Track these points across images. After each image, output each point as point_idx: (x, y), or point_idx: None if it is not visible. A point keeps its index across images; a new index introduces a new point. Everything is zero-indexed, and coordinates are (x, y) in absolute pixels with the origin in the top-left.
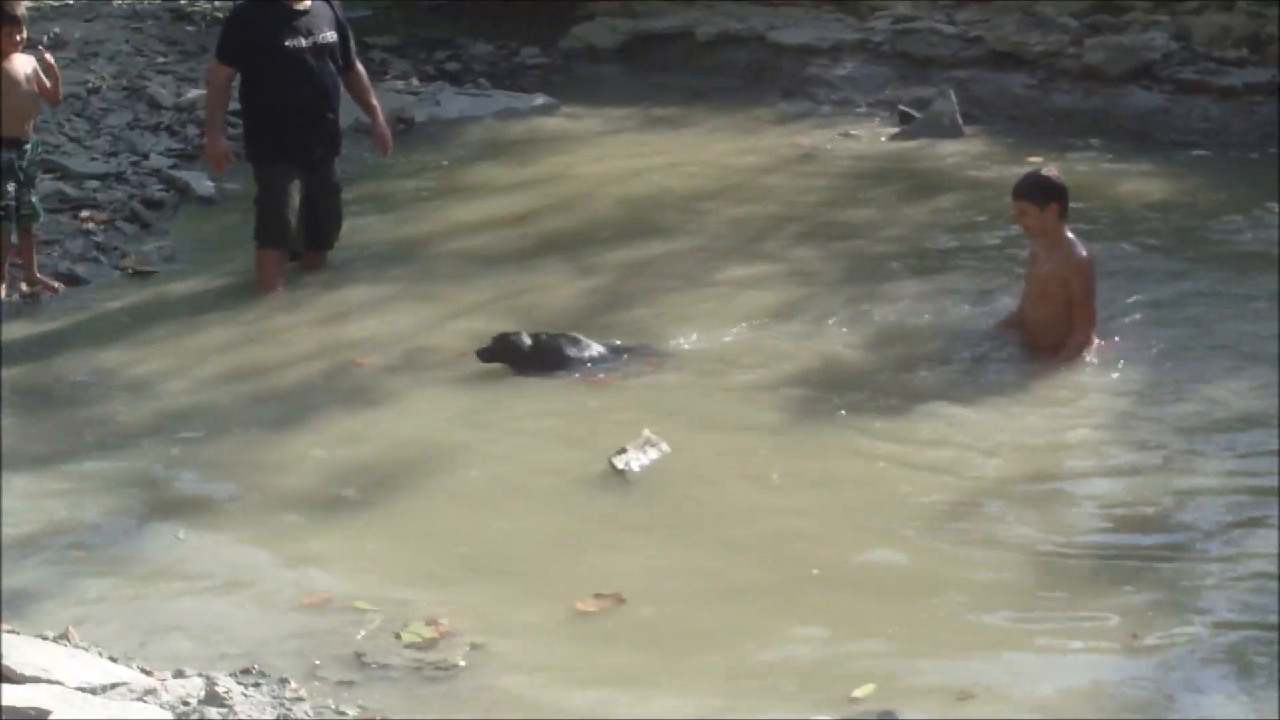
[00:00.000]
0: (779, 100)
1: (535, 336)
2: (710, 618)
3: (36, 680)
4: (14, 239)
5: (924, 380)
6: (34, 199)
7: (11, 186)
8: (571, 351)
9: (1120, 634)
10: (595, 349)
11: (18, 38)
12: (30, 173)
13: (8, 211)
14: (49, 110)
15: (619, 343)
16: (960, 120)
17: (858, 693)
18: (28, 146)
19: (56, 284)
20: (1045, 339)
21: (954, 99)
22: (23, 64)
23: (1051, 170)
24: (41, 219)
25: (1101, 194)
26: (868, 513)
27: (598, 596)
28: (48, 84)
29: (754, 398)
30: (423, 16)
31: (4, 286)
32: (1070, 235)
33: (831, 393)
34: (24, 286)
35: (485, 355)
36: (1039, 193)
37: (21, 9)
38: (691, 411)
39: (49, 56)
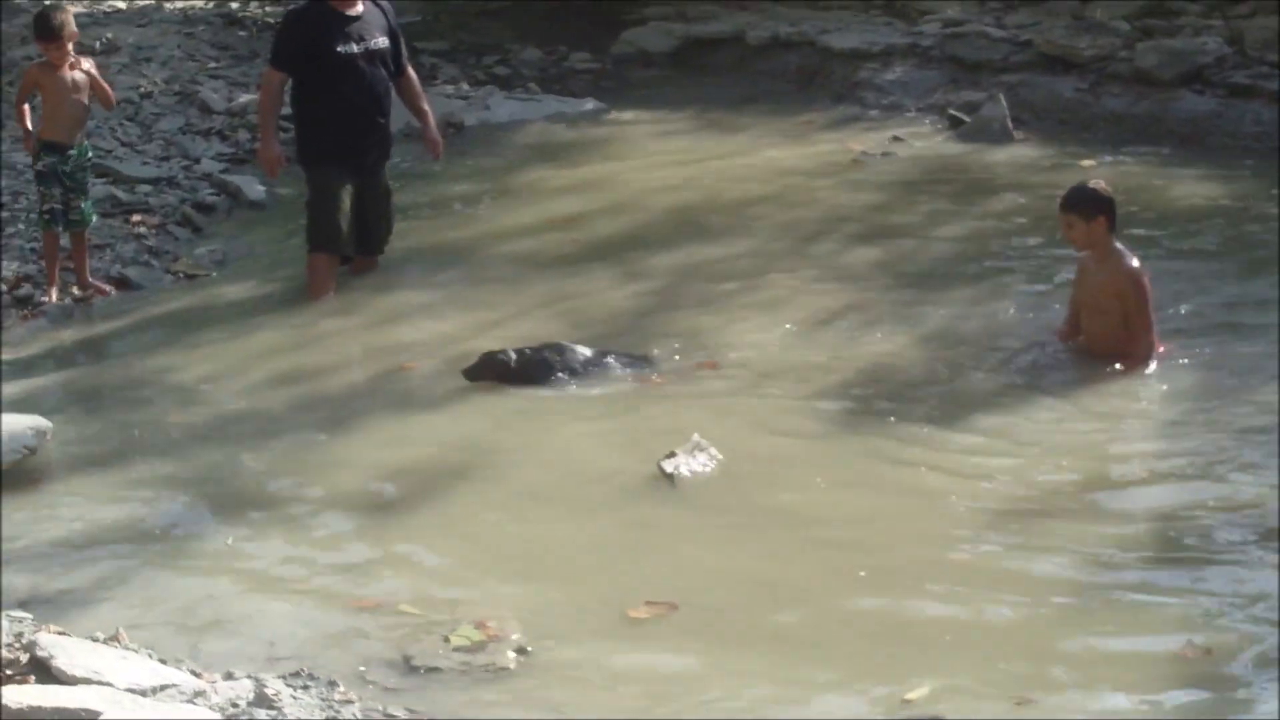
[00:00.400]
0: (829, 104)
1: (520, 352)
2: (761, 623)
3: (87, 682)
4: (64, 242)
5: (976, 387)
6: (85, 204)
7: (57, 191)
8: (556, 360)
9: (1177, 641)
10: (582, 355)
11: (68, 48)
12: (78, 178)
13: (54, 215)
14: (101, 115)
15: (637, 353)
16: (1010, 124)
17: (911, 695)
18: (72, 153)
19: (108, 287)
20: (1101, 349)
21: (1004, 103)
22: (73, 73)
23: (1099, 182)
24: (93, 223)
25: (1153, 199)
26: (919, 519)
27: (649, 604)
28: (106, 89)
29: (803, 403)
30: (472, 22)
31: (55, 290)
32: (1119, 246)
33: (881, 398)
34: (76, 290)
35: (472, 374)
36: (1086, 205)
37: (72, 22)
38: (741, 415)
39: (84, 63)
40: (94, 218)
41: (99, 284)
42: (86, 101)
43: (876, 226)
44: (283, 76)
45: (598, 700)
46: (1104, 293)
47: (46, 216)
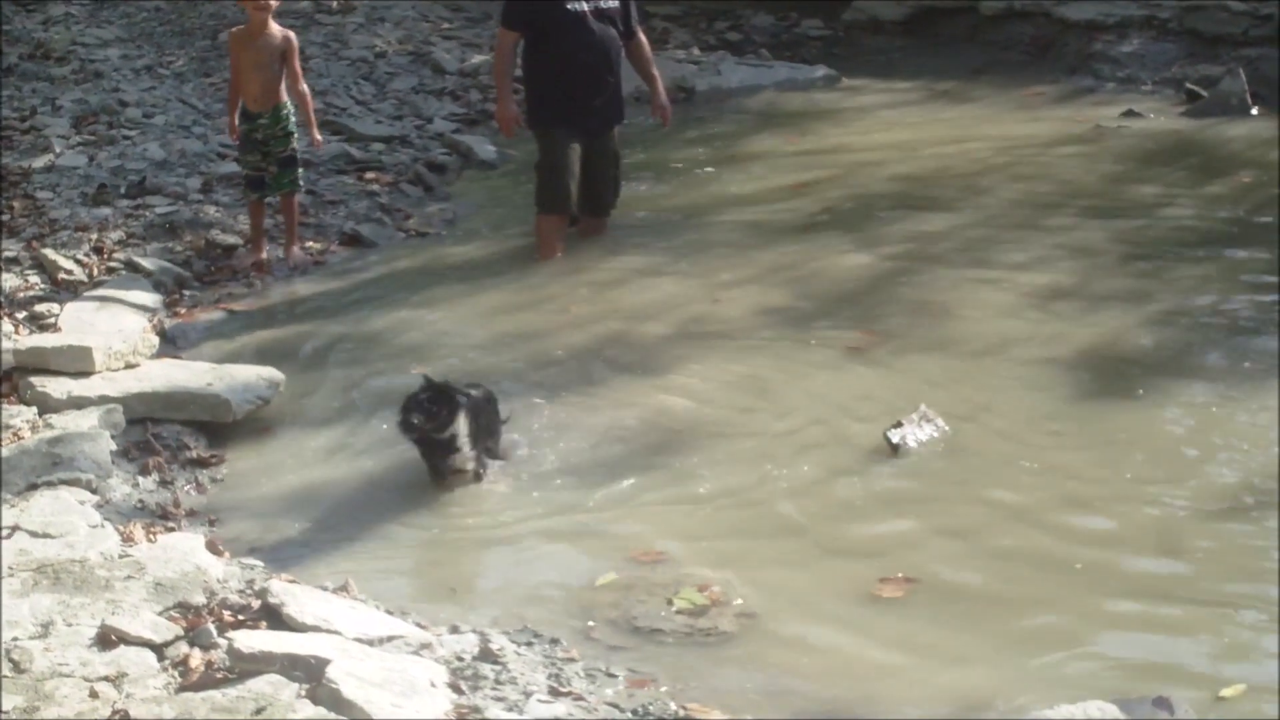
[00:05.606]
0: (1063, 76)
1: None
2: (995, 599)
3: (316, 630)
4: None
5: (1208, 364)
6: (280, 173)
7: (253, 158)
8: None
9: None
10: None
11: (270, 9)
12: (273, 146)
13: (250, 182)
14: (338, 73)
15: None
16: (1249, 99)
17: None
18: (263, 120)
19: (305, 260)
20: None
21: (1243, 78)
22: (266, 40)
23: None
24: (300, 191)
25: None
26: (1154, 493)
27: (883, 581)
28: (295, 67)
29: (1032, 376)
30: None
31: (261, 255)
32: None
33: (1111, 374)
34: (281, 254)
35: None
36: None
37: None
38: (967, 387)
39: (284, 34)
40: (294, 185)
41: (301, 255)
42: (278, 69)
43: (1109, 200)
44: (515, 36)
45: (816, 670)
46: None
47: (245, 183)
